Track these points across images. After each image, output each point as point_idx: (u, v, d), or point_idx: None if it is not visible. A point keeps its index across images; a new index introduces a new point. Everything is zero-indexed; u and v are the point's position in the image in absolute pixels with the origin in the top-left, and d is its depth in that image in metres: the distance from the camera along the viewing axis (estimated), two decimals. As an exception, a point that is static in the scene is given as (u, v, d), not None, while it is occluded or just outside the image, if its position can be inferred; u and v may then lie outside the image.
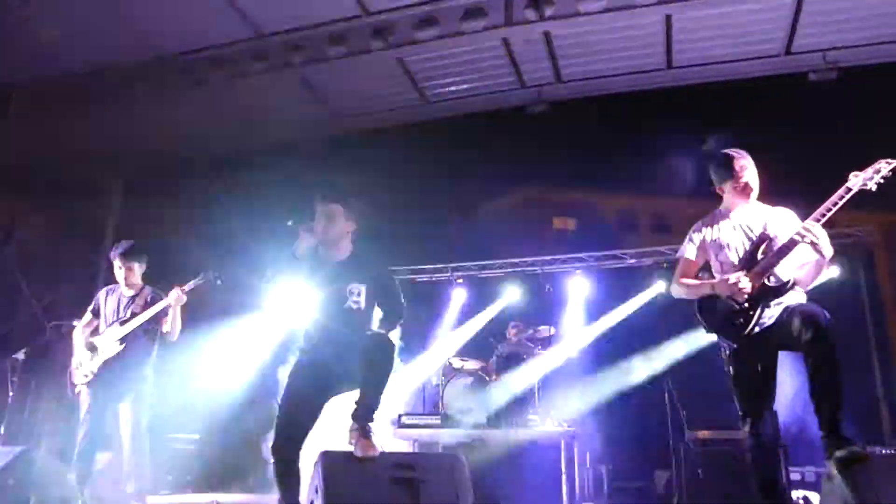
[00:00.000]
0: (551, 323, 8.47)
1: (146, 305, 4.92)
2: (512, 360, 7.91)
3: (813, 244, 3.03)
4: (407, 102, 7.96)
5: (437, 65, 7.32)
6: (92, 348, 4.84)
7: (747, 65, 6.98)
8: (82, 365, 4.83)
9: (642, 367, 8.77)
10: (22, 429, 7.61)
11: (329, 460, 3.14)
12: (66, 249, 9.27)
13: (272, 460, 3.41)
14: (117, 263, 5.04)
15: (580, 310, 9.60)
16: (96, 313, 5.08)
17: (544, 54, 7.00)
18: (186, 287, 4.85)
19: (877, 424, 8.21)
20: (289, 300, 4.55)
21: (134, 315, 4.87)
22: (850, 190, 3.09)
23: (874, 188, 3.06)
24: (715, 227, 3.48)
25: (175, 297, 4.80)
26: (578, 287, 9.65)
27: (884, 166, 3.06)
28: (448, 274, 10.14)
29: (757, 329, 3.18)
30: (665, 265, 9.37)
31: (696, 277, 3.55)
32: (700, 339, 7.26)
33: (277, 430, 3.44)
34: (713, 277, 3.46)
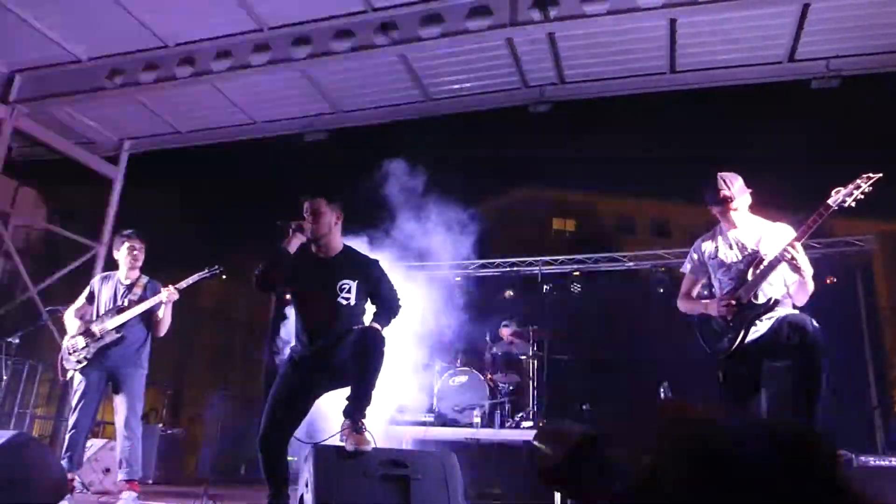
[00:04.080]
0: (548, 323, 8.48)
1: (143, 295, 4.91)
2: (507, 360, 7.91)
3: (793, 264, 3.15)
4: (410, 99, 7.95)
5: (441, 62, 7.32)
6: (89, 334, 4.80)
7: (750, 70, 6.97)
8: (76, 350, 4.81)
9: (637, 370, 8.77)
10: (14, 413, 7.62)
11: (320, 455, 3.13)
12: (64, 236, 9.27)
13: (259, 453, 3.42)
14: (128, 246, 4.96)
15: (577, 311, 9.60)
16: (91, 299, 5.03)
17: (548, 55, 6.99)
18: (182, 284, 4.81)
19: (870, 432, 8.20)
20: (283, 295, 4.57)
21: (131, 304, 4.86)
22: (829, 207, 3.14)
23: (853, 205, 3.13)
24: (713, 244, 3.60)
25: (167, 295, 4.78)
26: (576, 288, 9.65)
27: (863, 182, 3.11)
28: (446, 272, 10.13)
29: (746, 342, 3.34)
30: (663, 269, 9.37)
31: (699, 291, 3.76)
32: (696, 342, 7.27)
33: (265, 422, 3.45)
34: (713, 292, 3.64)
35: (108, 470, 5.71)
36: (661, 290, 9.32)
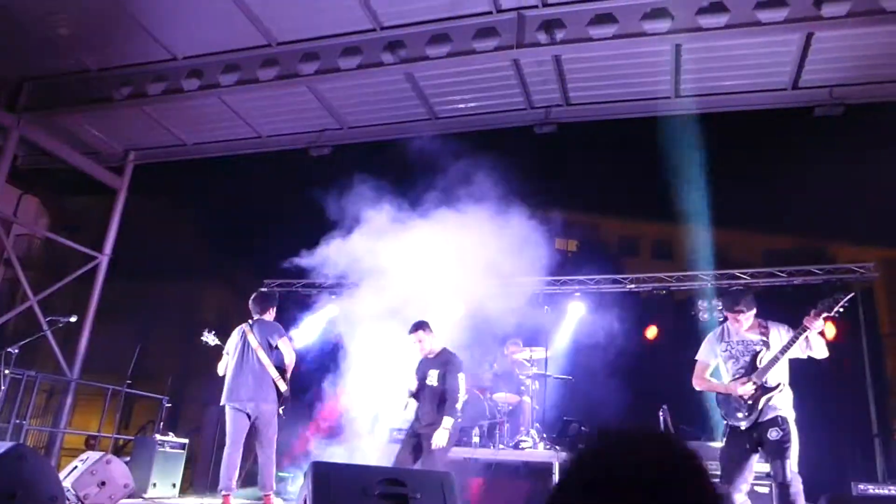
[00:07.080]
0: (548, 344, 8.44)
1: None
2: (506, 380, 7.87)
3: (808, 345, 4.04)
4: (415, 117, 8.01)
5: (447, 81, 7.38)
6: None
7: (754, 97, 7.03)
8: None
9: (637, 392, 8.73)
10: (11, 423, 7.58)
11: (319, 471, 3.12)
12: (66, 246, 9.28)
13: None
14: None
15: (577, 332, 9.56)
16: None
17: (554, 77, 7.06)
18: None
19: (870, 461, 8.13)
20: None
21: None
22: (814, 320, 3.98)
23: (836, 315, 4.05)
24: (723, 340, 4.44)
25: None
26: (577, 309, 9.61)
27: (842, 299, 3.94)
28: (451, 292, 10.07)
29: (753, 420, 4.12)
30: (664, 292, 9.36)
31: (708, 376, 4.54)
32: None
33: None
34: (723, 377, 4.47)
35: (103, 483, 5.65)
36: (662, 314, 9.31)
